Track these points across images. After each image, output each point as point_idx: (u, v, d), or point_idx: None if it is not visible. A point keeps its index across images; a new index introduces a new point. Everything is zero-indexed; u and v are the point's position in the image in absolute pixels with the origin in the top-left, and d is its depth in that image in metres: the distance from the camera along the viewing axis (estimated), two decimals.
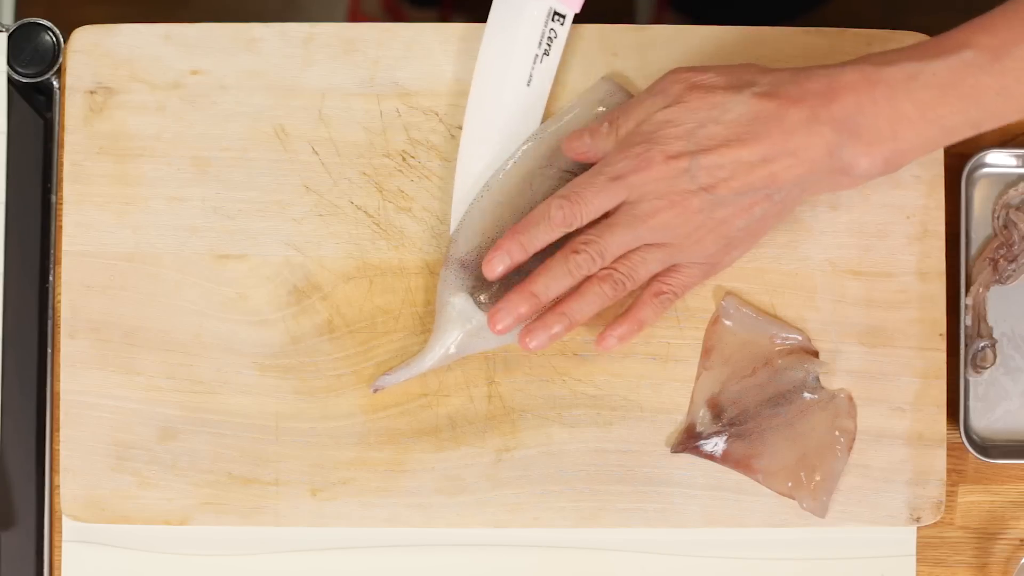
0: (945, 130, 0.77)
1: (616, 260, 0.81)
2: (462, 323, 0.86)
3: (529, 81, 0.88)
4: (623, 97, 0.88)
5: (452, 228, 0.88)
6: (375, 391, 0.87)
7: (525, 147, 0.87)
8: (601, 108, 0.88)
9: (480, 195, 0.87)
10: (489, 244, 0.86)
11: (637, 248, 0.81)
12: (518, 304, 0.82)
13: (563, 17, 0.88)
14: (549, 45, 0.88)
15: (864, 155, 0.77)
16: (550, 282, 0.82)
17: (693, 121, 0.78)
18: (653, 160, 0.78)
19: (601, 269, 0.81)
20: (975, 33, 0.76)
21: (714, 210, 0.79)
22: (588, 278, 0.82)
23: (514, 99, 0.88)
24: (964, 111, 0.76)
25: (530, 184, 0.87)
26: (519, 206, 0.87)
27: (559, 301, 0.82)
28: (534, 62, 0.88)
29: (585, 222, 0.81)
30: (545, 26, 0.88)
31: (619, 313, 0.85)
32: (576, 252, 0.80)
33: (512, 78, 0.88)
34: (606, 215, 0.81)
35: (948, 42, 0.76)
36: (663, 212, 0.79)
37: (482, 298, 0.86)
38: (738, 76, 0.79)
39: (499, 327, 0.82)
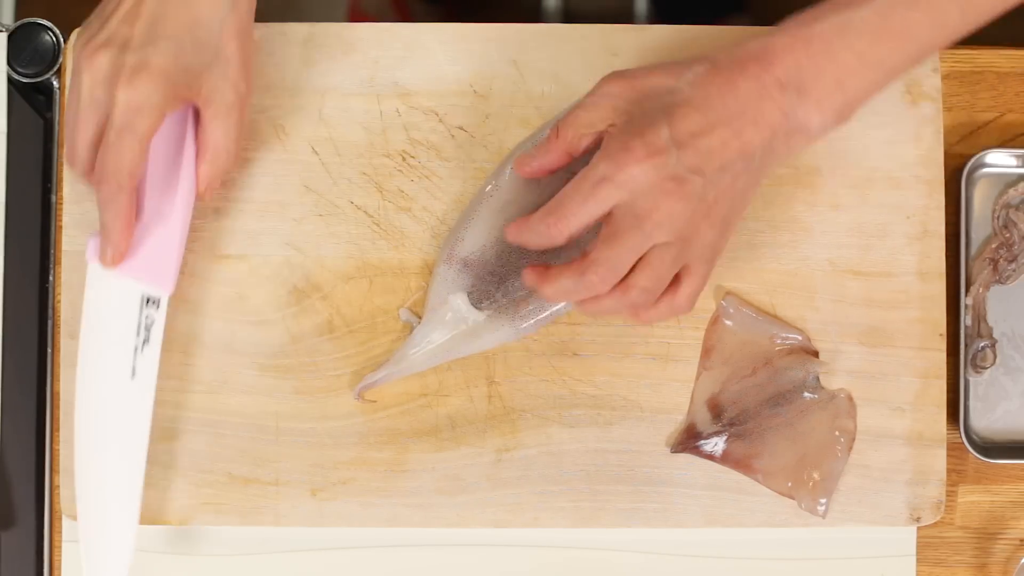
0: (887, 70, 0.78)
1: (633, 272, 0.79)
2: (455, 323, 0.87)
3: (133, 373, 0.85)
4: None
5: (457, 224, 0.88)
6: (357, 396, 0.87)
7: (530, 148, 0.87)
8: None
9: (489, 194, 0.87)
10: (495, 244, 0.87)
11: (648, 253, 0.79)
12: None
13: (157, 301, 0.85)
14: (148, 333, 0.85)
15: (815, 111, 0.77)
16: (558, 297, 0.82)
17: (657, 109, 0.78)
18: (634, 153, 0.77)
19: (619, 284, 0.80)
20: None
21: (706, 193, 0.78)
22: (611, 292, 0.80)
23: (119, 394, 0.85)
24: (901, 48, 0.77)
25: (538, 182, 0.87)
26: (528, 205, 0.87)
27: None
28: (134, 353, 0.85)
29: (574, 235, 0.79)
30: (140, 313, 0.84)
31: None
32: (586, 273, 0.79)
33: (114, 372, 0.85)
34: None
35: None
36: (662, 203, 0.77)
37: (480, 299, 0.87)
38: (673, 67, 0.79)
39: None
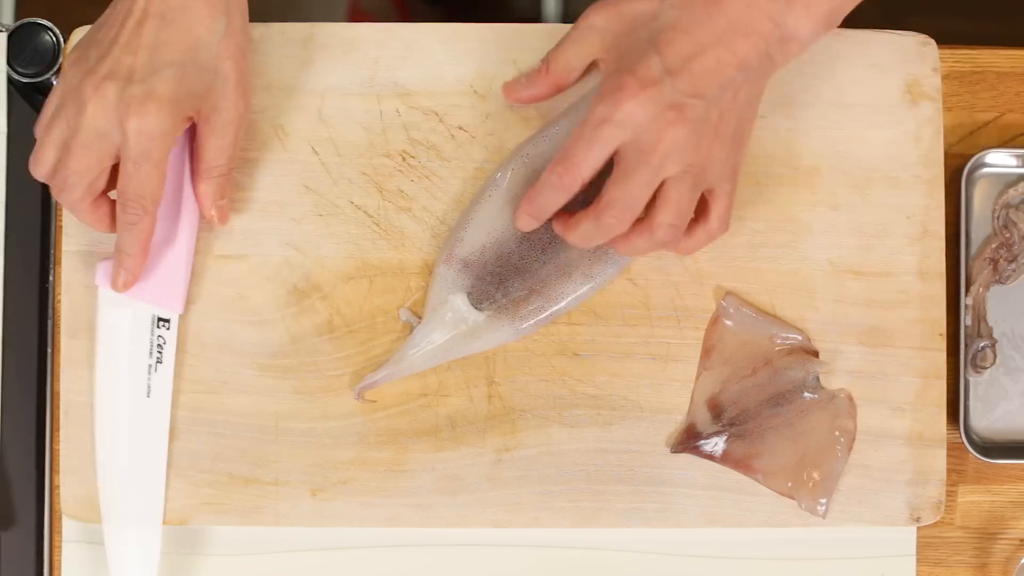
0: None
1: (654, 210, 0.79)
2: (455, 323, 0.87)
3: (149, 392, 0.87)
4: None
5: (457, 224, 0.88)
6: (357, 396, 0.87)
7: (534, 148, 0.87)
8: None
9: (489, 195, 0.87)
10: (495, 244, 0.87)
11: (663, 188, 0.79)
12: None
13: (168, 322, 0.87)
14: (160, 352, 0.87)
15: (805, 17, 0.77)
16: (583, 243, 0.82)
17: (644, 39, 0.78)
18: (628, 88, 0.77)
19: (644, 224, 0.80)
20: None
21: (709, 113, 0.78)
22: (632, 231, 0.80)
23: (137, 413, 0.87)
24: None
25: None
26: None
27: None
28: (149, 372, 0.87)
29: (587, 179, 0.79)
30: (152, 334, 0.87)
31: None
32: (602, 216, 0.79)
33: (130, 393, 0.87)
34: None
35: None
36: (665, 134, 0.77)
37: (480, 299, 0.87)
38: None
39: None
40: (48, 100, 0.82)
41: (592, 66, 0.83)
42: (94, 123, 0.79)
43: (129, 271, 0.84)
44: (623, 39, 0.79)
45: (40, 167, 0.81)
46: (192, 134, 0.84)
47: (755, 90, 0.80)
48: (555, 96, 0.86)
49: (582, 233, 0.81)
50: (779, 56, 0.79)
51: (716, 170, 0.80)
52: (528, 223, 0.82)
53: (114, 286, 0.84)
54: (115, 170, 0.81)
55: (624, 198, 0.78)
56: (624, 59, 0.78)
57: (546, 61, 0.84)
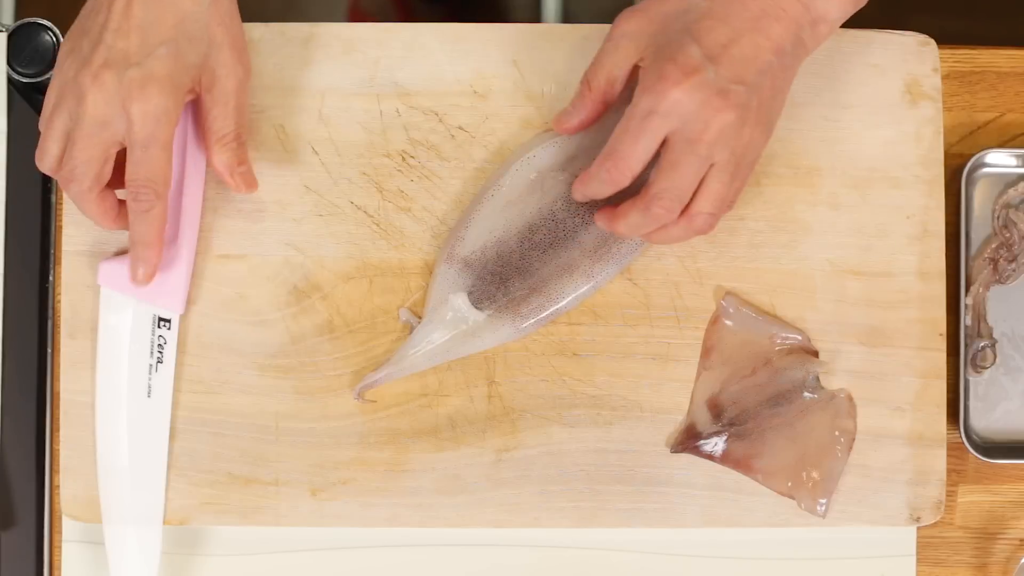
0: None
1: (696, 198, 0.80)
2: (456, 323, 0.87)
3: (149, 392, 0.87)
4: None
5: (458, 224, 0.88)
6: (357, 396, 0.87)
7: (537, 150, 0.87)
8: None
9: (491, 195, 0.87)
10: (496, 244, 0.87)
11: (707, 176, 0.79)
12: None
13: (168, 322, 0.87)
14: (161, 352, 0.87)
15: None
16: (631, 233, 0.82)
17: (679, 31, 0.77)
18: (671, 78, 0.76)
19: (684, 212, 0.80)
20: None
21: (750, 99, 0.78)
22: (678, 221, 0.81)
23: (137, 413, 0.87)
24: None
25: (541, 185, 0.87)
26: (529, 207, 0.87)
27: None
28: (149, 372, 0.87)
29: (636, 172, 0.79)
30: (153, 334, 0.87)
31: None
32: (651, 207, 0.79)
33: (130, 393, 0.87)
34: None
35: None
36: (712, 120, 0.77)
37: (480, 299, 0.87)
38: None
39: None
40: (47, 94, 0.81)
41: (633, 73, 0.81)
42: (96, 111, 0.79)
43: (147, 262, 0.83)
44: (658, 37, 0.79)
45: (45, 159, 0.81)
46: (196, 111, 0.84)
47: (789, 75, 0.80)
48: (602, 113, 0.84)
49: (630, 224, 0.81)
50: (810, 40, 0.79)
51: (751, 157, 0.80)
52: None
53: (134, 280, 0.83)
54: (119, 164, 0.81)
55: (673, 188, 0.79)
56: (662, 51, 0.78)
57: (586, 81, 0.82)
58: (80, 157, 0.80)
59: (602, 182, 0.80)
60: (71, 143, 0.80)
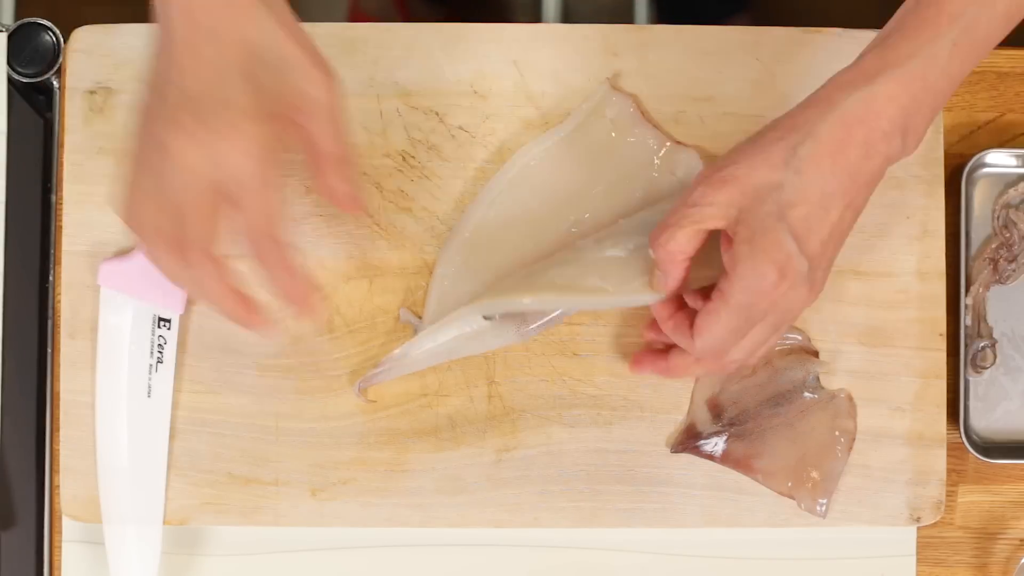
0: (965, 75, 0.76)
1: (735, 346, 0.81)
2: (459, 324, 0.87)
3: (149, 392, 0.87)
4: (622, 100, 0.88)
5: (457, 225, 0.88)
6: (358, 392, 0.87)
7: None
8: (608, 115, 0.88)
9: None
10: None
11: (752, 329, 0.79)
12: None
13: (168, 322, 0.87)
14: (161, 352, 0.87)
15: (913, 141, 0.76)
16: (674, 376, 0.86)
17: (773, 215, 0.74)
18: (769, 279, 0.75)
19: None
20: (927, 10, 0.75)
21: (816, 273, 0.77)
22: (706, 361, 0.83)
23: (137, 413, 0.87)
24: (981, 54, 0.76)
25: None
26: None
27: None
28: (149, 372, 0.87)
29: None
30: (153, 334, 0.87)
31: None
32: (702, 363, 0.82)
33: (130, 393, 0.87)
34: None
35: (914, 27, 0.75)
36: (795, 307, 0.77)
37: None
38: (772, 151, 0.75)
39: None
40: (123, 168, 0.74)
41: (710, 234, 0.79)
42: (184, 159, 0.70)
43: (302, 300, 0.75)
44: (748, 213, 0.75)
45: (145, 231, 0.72)
46: (291, 137, 0.76)
47: (855, 215, 0.78)
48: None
49: (676, 365, 0.84)
50: (883, 172, 0.77)
51: (797, 313, 0.79)
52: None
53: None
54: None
55: (721, 348, 0.79)
56: (757, 241, 0.75)
57: (663, 248, 0.79)
58: (192, 216, 0.70)
59: (697, 365, 0.82)
60: (177, 212, 0.71)
